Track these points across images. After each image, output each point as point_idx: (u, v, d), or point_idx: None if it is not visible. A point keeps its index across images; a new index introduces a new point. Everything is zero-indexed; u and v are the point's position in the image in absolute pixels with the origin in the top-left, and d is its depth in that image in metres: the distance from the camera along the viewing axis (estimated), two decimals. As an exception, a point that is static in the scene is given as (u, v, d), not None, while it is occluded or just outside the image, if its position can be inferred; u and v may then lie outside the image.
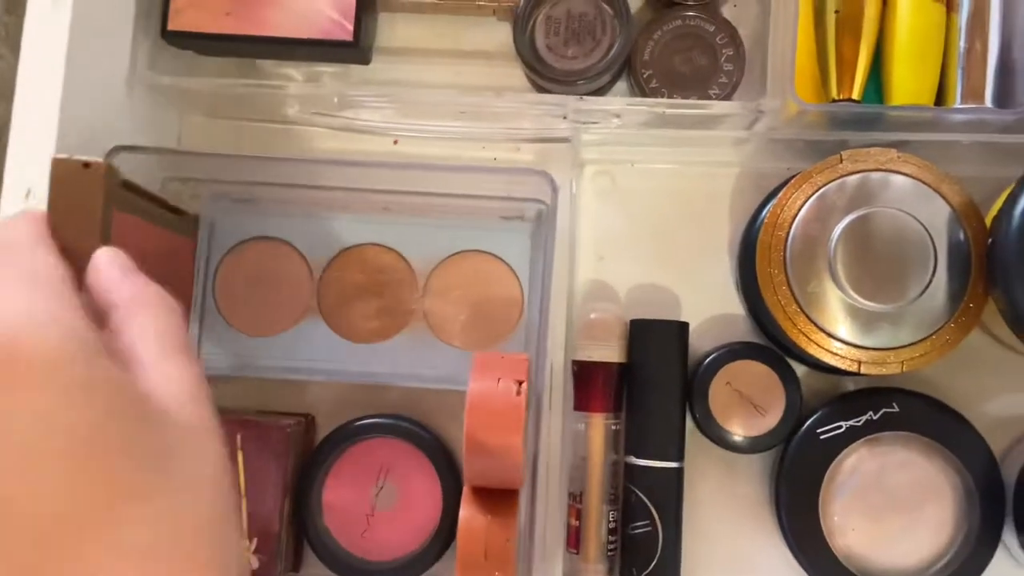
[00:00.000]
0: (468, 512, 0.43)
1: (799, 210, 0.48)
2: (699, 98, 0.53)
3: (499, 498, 0.44)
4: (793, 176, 0.49)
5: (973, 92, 0.50)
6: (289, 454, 0.51)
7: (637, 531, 0.50)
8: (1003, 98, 0.49)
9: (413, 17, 0.57)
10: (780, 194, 0.49)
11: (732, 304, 0.55)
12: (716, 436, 0.52)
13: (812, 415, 0.51)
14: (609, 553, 0.51)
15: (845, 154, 0.48)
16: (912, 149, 0.49)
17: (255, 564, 0.50)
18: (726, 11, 0.55)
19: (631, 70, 0.54)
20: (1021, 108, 0.48)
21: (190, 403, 0.30)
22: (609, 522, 0.51)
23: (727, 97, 0.53)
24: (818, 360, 0.48)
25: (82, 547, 0.25)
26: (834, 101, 0.50)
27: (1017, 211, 0.44)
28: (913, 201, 0.48)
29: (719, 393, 0.52)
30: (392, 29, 0.57)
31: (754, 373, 0.52)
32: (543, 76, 0.53)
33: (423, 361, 0.54)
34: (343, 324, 0.54)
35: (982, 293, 0.47)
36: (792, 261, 0.48)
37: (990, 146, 0.50)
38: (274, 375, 0.54)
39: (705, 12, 0.53)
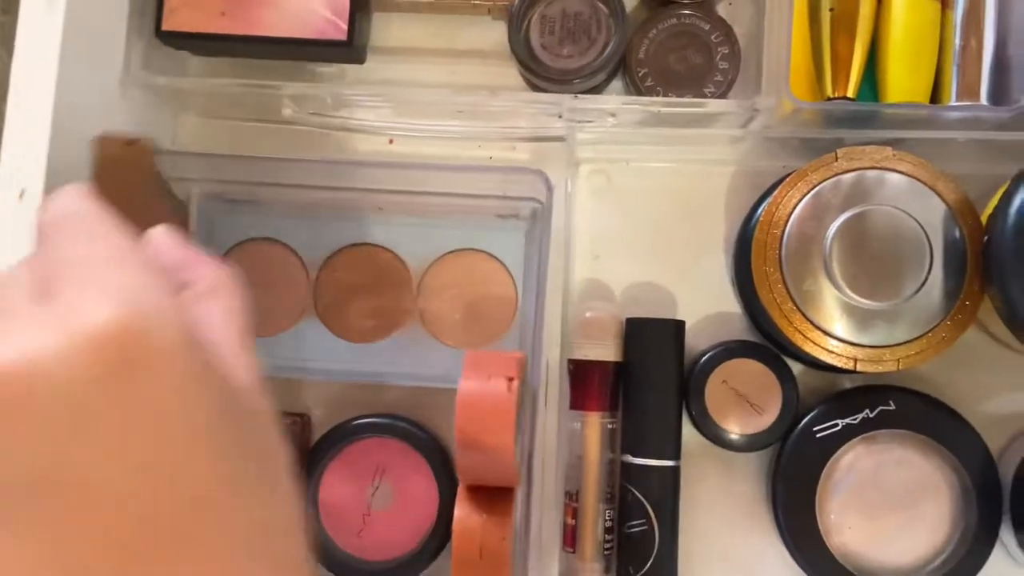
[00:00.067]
0: (463, 511, 0.43)
1: (794, 208, 0.48)
2: (694, 96, 0.53)
3: (495, 497, 0.44)
4: (788, 174, 0.49)
5: (968, 89, 0.50)
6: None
7: (633, 530, 0.50)
8: (998, 95, 0.49)
9: (408, 16, 0.57)
10: (775, 192, 0.49)
11: (728, 302, 0.55)
12: (712, 434, 0.52)
13: (808, 413, 0.51)
14: (605, 552, 0.51)
15: (840, 152, 0.48)
16: (908, 147, 0.48)
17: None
18: (721, 9, 0.55)
19: (626, 69, 0.54)
20: (1016, 105, 0.48)
21: (263, 395, 0.29)
22: (605, 521, 0.51)
23: (722, 95, 0.53)
24: (814, 358, 0.48)
25: (192, 544, 0.25)
26: (829, 99, 0.50)
27: (1013, 208, 0.44)
28: (908, 199, 0.48)
29: (715, 391, 0.51)
30: (387, 28, 0.57)
31: (750, 371, 0.51)
32: (538, 75, 0.53)
33: (419, 360, 0.53)
34: (339, 324, 0.54)
35: (978, 291, 0.47)
36: (788, 259, 0.48)
37: (986, 143, 0.50)
38: (270, 375, 0.54)
39: (700, 10, 0.53)
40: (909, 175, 0.48)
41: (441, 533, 0.52)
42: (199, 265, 0.31)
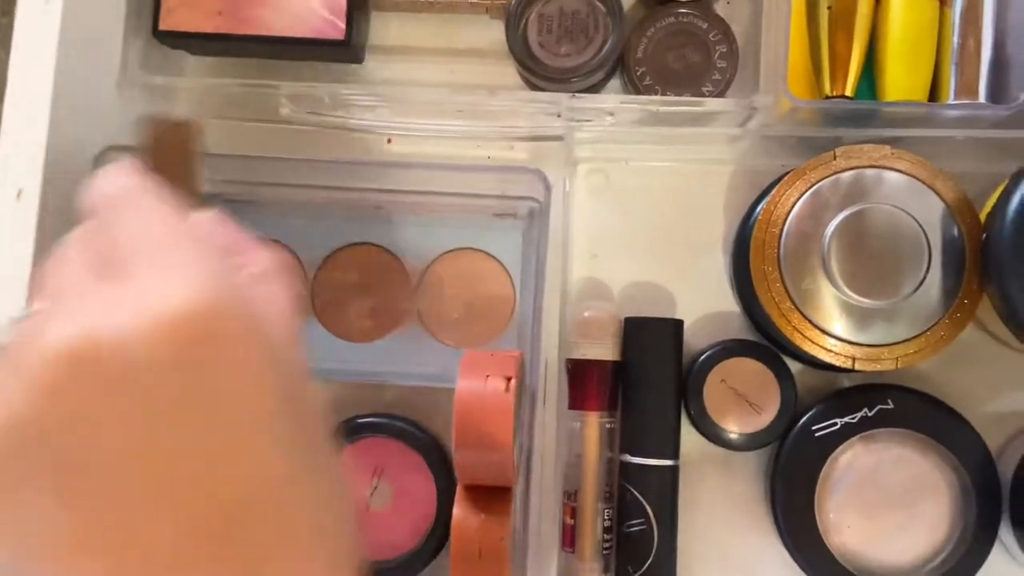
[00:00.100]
0: (462, 511, 0.43)
1: (793, 207, 0.48)
2: (693, 95, 0.53)
3: (493, 496, 0.44)
4: (787, 173, 0.49)
5: (967, 88, 0.50)
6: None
7: (632, 529, 0.50)
8: (997, 93, 0.49)
9: (406, 16, 0.57)
10: (774, 191, 0.49)
11: (727, 301, 0.55)
12: (711, 434, 0.52)
13: (807, 412, 0.51)
14: (604, 551, 0.51)
15: (839, 151, 0.48)
16: (906, 145, 0.48)
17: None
18: (719, 8, 0.55)
19: (624, 67, 0.54)
20: (1015, 103, 0.47)
21: (313, 383, 0.29)
22: (604, 520, 0.51)
23: (720, 94, 0.53)
24: (813, 357, 0.48)
25: (256, 528, 0.25)
26: (827, 98, 0.50)
27: (1011, 207, 0.44)
28: (907, 197, 0.47)
29: (714, 391, 0.51)
30: (385, 28, 0.57)
31: (749, 370, 0.51)
32: (536, 74, 0.53)
33: (417, 360, 0.53)
34: (337, 323, 0.54)
35: (976, 289, 0.47)
36: (786, 258, 0.48)
37: (984, 141, 0.50)
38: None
39: (698, 9, 0.53)
40: (907, 173, 0.48)
41: (440, 533, 0.52)
42: (251, 248, 0.31)
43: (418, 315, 0.54)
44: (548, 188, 0.49)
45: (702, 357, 0.52)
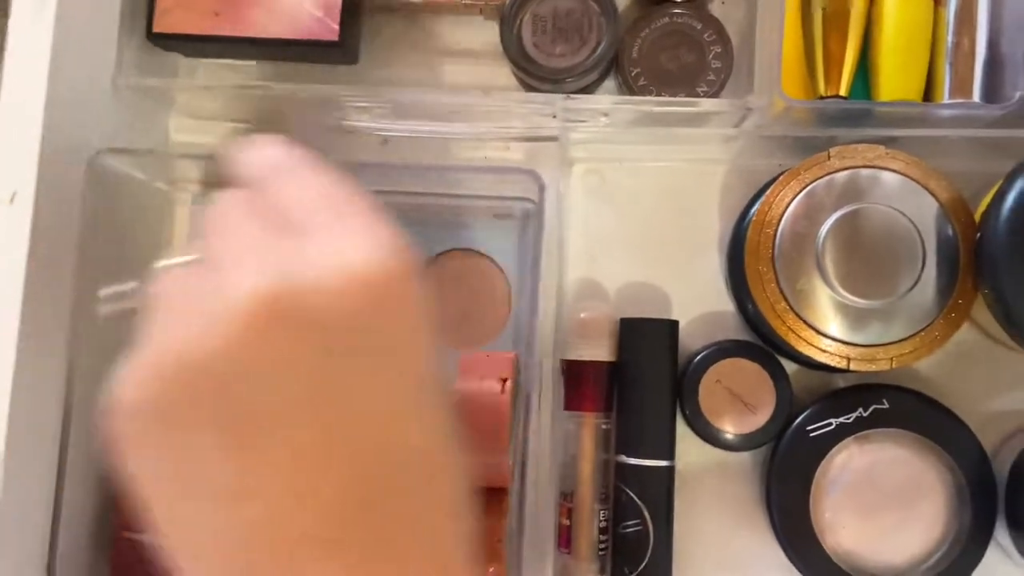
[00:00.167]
0: (457, 512, 0.43)
1: (787, 207, 0.48)
2: (687, 95, 0.53)
3: (489, 497, 0.44)
4: (781, 173, 0.49)
5: (961, 87, 0.50)
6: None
7: (628, 530, 0.50)
8: (991, 92, 0.49)
9: (400, 16, 0.57)
10: (768, 191, 0.49)
11: (722, 301, 0.55)
12: (707, 434, 0.51)
13: (802, 412, 0.51)
14: (600, 552, 0.51)
15: (833, 151, 0.48)
16: (901, 145, 0.48)
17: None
18: (714, 8, 0.55)
19: (619, 68, 0.54)
20: (1009, 102, 0.47)
21: None
22: (600, 521, 0.51)
23: (715, 94, 0.53)
24: (808, 357, 0.48)
25: (419, 485, 0.27)
26: (821, 98, 0.50)
27: (1005, 207, 0.44)
28: (901, 197, 0.48)
29: (709, 391, 0.51)
30: (379, 28, 0.57)
31: (744, 371, 0.51)
32: (531, 75, 0.53)
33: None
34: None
35: (971, 289, 0.47)
36: (780, 258, 0.48)
37: (979, 141, 0.50)
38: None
39: (692, 9, 0.53)
40: (902, 173, 0.48)
41: (435, 534, 0.51)
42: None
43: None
44: (542, 189, 0.48)
45: (697, 357, 0.52)
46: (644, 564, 0.50)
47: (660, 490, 0.51)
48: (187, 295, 0.26)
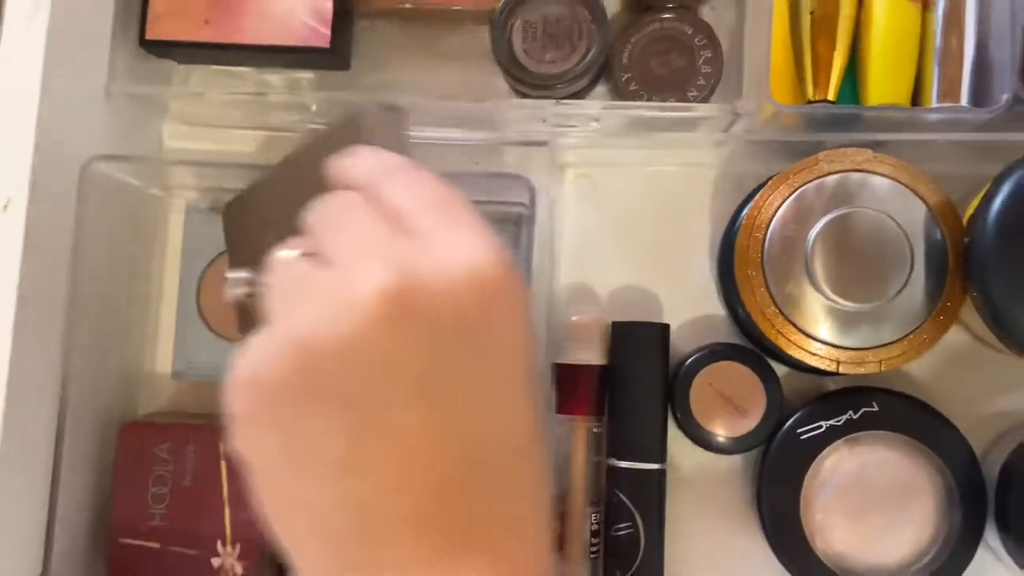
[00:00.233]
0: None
1: (776, 211, 0.48)
2: (678, 100, 0.53)
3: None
4: (771, 177, 0.49)
5: (949, 90, 0.50)
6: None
7: (620, 533, 0.50)
8: (979, 96, 0.49)
9: (392, 22, 0.57)
10: (757, 196, 0.49)
11: (713, 305, 0.55)
12: (698, 437, 0.52)
13: (793, 415, 0.51)
14: (592, 555, 0.51)
15: (822, 155, 0.48)
16: (889, 148, 0.49)
17: (239, 571, 0.50)
18: (704, 13, 0.55)
19: (610, 73, 0.54)
20: (997, 106, 0.48)
21: None
22: (592, 524, 0.51)
23: (705, 99, 0.53)
24: (797, 360, 0.48)
25: (515, 471, 0.29)
26: (810, 102, 0.51)
27: (993, 210, 0.44)
28: (890, 201, 0.48)
29: (700, 394, 0.52)
30: (371, 34, 0.57)
31: (735, 374, 0.52)
32: (521, 81, 0.53)
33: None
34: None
35: (960, 292, 0.47)
36: (770, 262, 0.48)
37: (967, 144, 0.51)
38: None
39: (683, 14, 0.53)
40: (890, 177, 0.48)
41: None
42: None
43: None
44: (533, 194, 0.49)
45: (688, 361, 0.52)
46: (635, 567, 0.50)
47: (651, 493, 0.51)
48: (310, 284, 0.28)
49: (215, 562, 0.50)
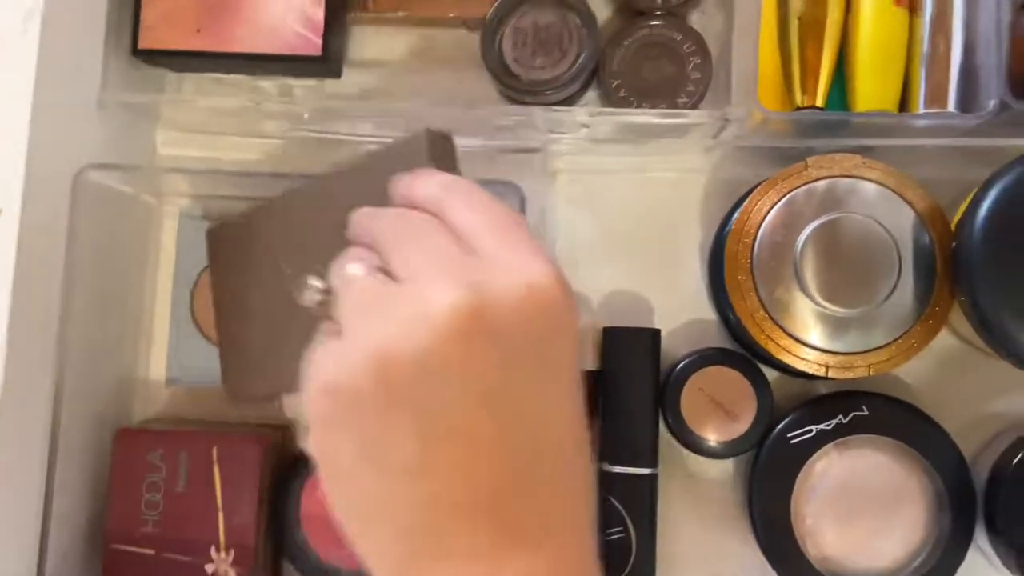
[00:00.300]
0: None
1: (765, 217, 0.49)
2: (668, 106, 0.53)
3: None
4: (760, 183, 0.49)
5: (937, 95, 0.50)
6: (266, 465, 0.52)
7: (611, 537, 0.51)
8: (966, 102, 0.50)
9: (384, 30, 0.57)
10: (746, 201, 0.49)
11: (704, 309, 0.55)
12: (689, 442, 0.52)
13: (783, 419, 0.51)
14: (584, 560, 0.51)
15: (810, 160, 0.49)
16: (878, 154, 0.49)
17: (232, 576, 0.50)
18: (693, 20, 0.55)
19: (600, 79, 0.54)
20: (984, 112, 0.48)
21: None
22: (584, 529, 0.51)
23: (695, 105, 0.53)
24: (787, 365, 0.48)
25: (565, 471, 0.31)
26: (798, 109, 0.51)
27: (980, 216, 0.44)
28: (878, 206, 0.48)
29: (691, 399, 0.52)
30: (363, 42, 0.57)
31: (726, 379, 0.52)
32: (512, 87, 0.53)
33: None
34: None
35: (948, 296, 0.47)
36: (759, 267, 0.48)
37: (955, 150, 0.51)
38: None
39: (672, 21, 0.53)
40: (879, 183, 0.48)
41: (421, 542, 0.52)
42: None
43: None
44: (524, 200, 0.49)
45: (679, 366, 0.52)
46: (627, 571, 0.50)
47: (643, 498, 0.51)
48: (386, 300, 0.31)
49: (209, 568, 0.50)
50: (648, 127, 0.52)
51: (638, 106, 0.53)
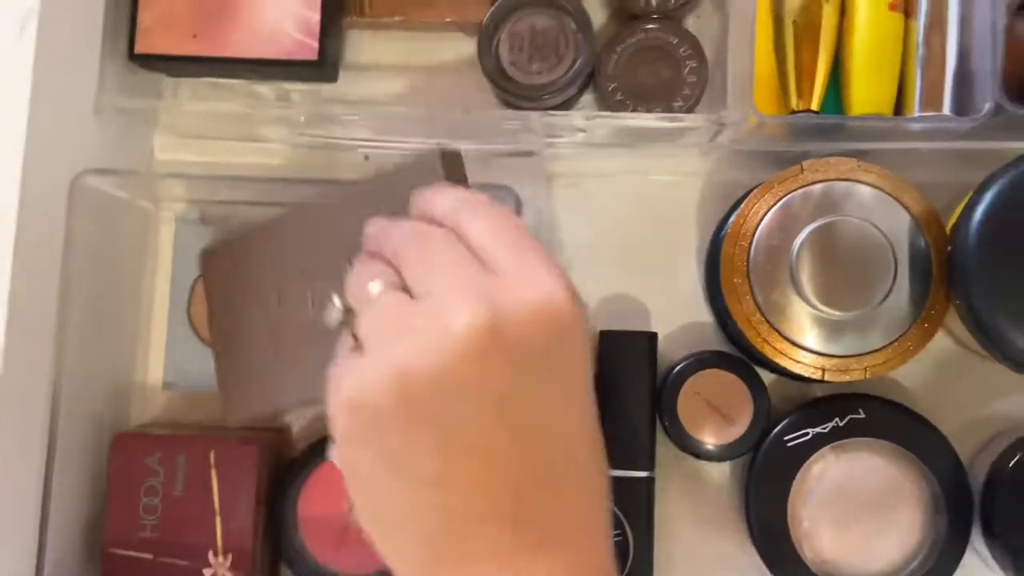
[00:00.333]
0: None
1: (761, 220, 0.49)
2: (664, 110, 0.53)
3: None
4: (756, 187, 0.50)
5: (932, 99, 0.50)
6: (263, 469, 0.52)
7: (608, 541, 0.51)
8: (962, 105, 0.50)
9: (380, 34, 0.57)
10: (743, 205, 0.49)
11: (701, 313, 0.55)
12: (686, 445, 0.52)
13: (779, 422, 0.51)
14: (581, 563, 0.51)
15: (806, 164, 0.49)
16: (873, 157, 0.49)
17: (230, 581, 0.51)
18: (689, 23, 0.55)
19: (596, 83, 0.54)
20: (979, 115, 0.48)
21: None
22: (581, 532, 0.51)
23: (691, 108, 0.53)
24: (783, 368, 0.48)
25: (579, 479, 0.33)
26: (793, 112, 0.51)
27: (975, 219, 0.45)
28: (874, 210, 0.48)
29: (688, 402, 0.52)
30: (360, 46, 0.57)
31: (722, 382, 0.52)
32: (509, 92, 0.53)
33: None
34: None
35: (944, 299, 0.48)
36: (755, 271, 0.48)
37: (950, 153, 0.51)
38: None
39: (668, 25, 0.54)
40: (874, 186, 0.48)
41: (418, 546, 0.52)
42: None
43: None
44: (519, 203, 0.49)
45: (676, 369, 0.52)
46: (624, 574, 0.50)
47: (640, 501, 0.51)
48: (406, 317, 0.32)
49: (207, 572, 0.50)
50: (644, 131, 0.52)
51: (634, 110, 0.53)
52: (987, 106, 0.48)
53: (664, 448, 0.53)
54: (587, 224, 0.56)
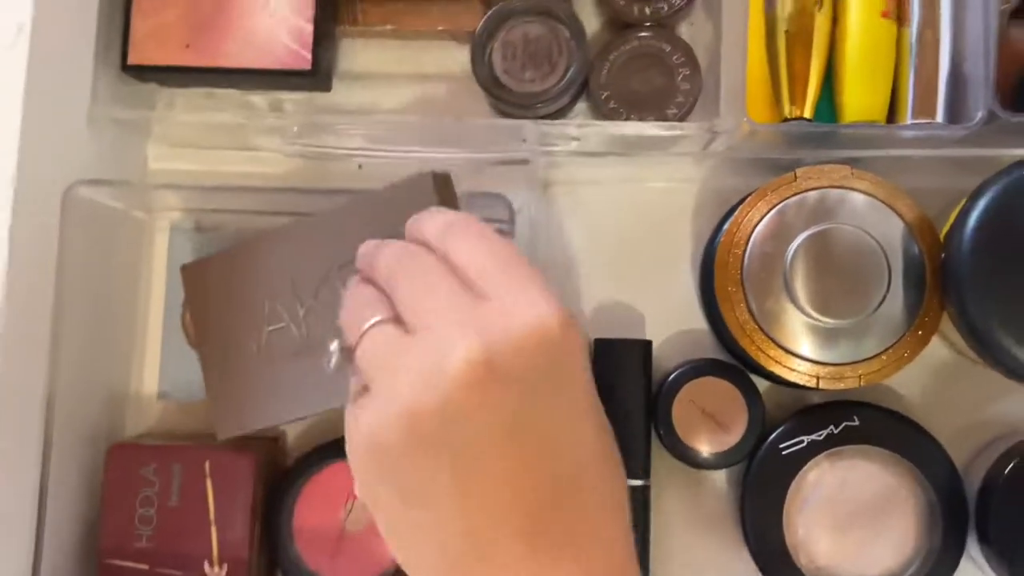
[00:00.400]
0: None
1: (755, 227, 0.49)
2: (657, 118, 0.53)
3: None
4: (749, 194, 0.50)
5: (925, 106, 0.50)
6: (259, 479, 0.52)
7: (604, 549, 0.51)
8: (954, 112, 0.50)
9: (373, 43, 0.57)
10: (736, 212, 0.49)
11: (696, 320, 0.55)
12: (681, 453, 0.52)
13: (774, 430, 0.51)
14: (576, 572, 0.51)
15: (800, 171, 0.49)
16: (866, 164, 0.49)
17: (225, 591, 0.50)
18: (682, 31, 0.55)
19: (589, 91, 0.54)
20: (972, 122, 0.48)
21: None
22: (576, 541, 0.51)
23: (685, 116, 0.53)
24: (778, 376, 0.48)
25: (590, 491, 0.33)
26: (786, 120, 0.51)
27: (969, 226, 0.45)
28: (868, 217, 0.48)
29: (683, 411, 0.52)
30: (353, 55, 0.57)
31: (717, 390, 0.52)
32: (502, 100, 0.53)
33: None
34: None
35: (938, 306, 0.48)
36: (749, 279, 0.48)
37: (944, 160, 0.51)
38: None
39: (661, 33, 0.54)
40: (868, 194, 0.48)
41: (414, 555, 0.52)
42: None
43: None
44: (512, 212, 0.49)
45: (670, 377, 0.52)
46: (620, 583, 0.50)
47: (635, 510, 0.51)
48: (404, 354, 0.32)
49: (202, 582, 0.50)
50: (638, 139, 0.52)
51: (627, 118, 0.53)
52: (980, 113, 0.48)
53: (659, 456, 0.53)
54: (581, 231, 0.56)
